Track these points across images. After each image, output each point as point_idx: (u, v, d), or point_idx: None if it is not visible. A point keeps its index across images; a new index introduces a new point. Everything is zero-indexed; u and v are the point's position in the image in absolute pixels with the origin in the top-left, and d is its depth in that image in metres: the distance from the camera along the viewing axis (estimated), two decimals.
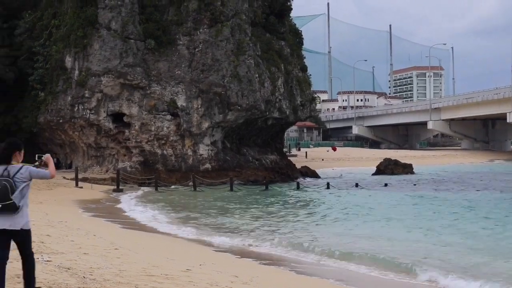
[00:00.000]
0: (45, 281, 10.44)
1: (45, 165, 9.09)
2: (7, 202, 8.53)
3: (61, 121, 54.67)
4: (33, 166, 8.98)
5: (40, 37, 57.85)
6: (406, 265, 18.07)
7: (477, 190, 49.16)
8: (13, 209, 8.57)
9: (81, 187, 44.30)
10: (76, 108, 53.76)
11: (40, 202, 33.69)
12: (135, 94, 53.43)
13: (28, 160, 9.46)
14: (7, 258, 8.82)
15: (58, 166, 57.66)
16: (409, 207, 36.89)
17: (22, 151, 8.95)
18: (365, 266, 18.20)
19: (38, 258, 13.36)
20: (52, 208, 31.43)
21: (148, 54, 54.08)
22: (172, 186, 50.07)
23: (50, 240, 17.25)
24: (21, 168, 8.77)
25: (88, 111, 53.50)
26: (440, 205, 37.79)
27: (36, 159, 9.30)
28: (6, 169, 8.71)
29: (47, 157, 9.19)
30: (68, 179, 48.60)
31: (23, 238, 8.84)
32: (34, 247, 15.22)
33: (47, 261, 13.19)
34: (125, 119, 53.79)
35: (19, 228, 8.71)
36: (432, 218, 30.77)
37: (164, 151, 54.04)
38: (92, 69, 53.06)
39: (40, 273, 11.25)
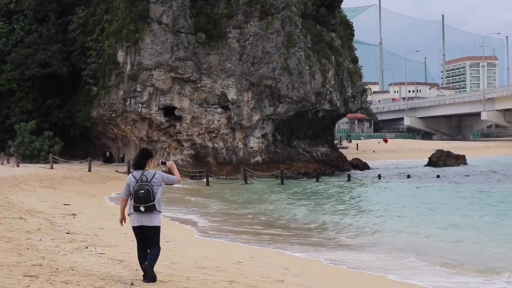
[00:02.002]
0: (98, 273, 10.59)
1: (170, 171, 10.47)
2: (149, 204, 10.00)
3: (113, 115, 55.31)
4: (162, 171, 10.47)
5: (93, 32, 58.59)
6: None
7: None
8: (153, 209, 10.06)
9: None
10: (128, 102, 54.30)
11: (94, 195, 34.17)
12: (186, 88, 53.72)
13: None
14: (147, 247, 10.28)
15: (111, 160, 58.47)
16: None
17: (153, 159, 10.47)
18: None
19: (91, 251, 13.60)
20: (105, 201, 31.86)
21: (198, 48, 54.29)
22: (220, 177, 50.19)
23: (104, 233, 17.52)
24: (155, 173, 10.20)
25: (140, 105, 53.99)
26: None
27: (159, 164, 11.10)
28: (143, 174, 10.17)
29: (171, 164, 10.58)
30: (120, 172, 49.23)
31: (155, 233, 10.22)
32: (88, 240, 15.53)
33: (101, 253, 13.39)
34: (176, 112, 54.15)
35: (154, 225, 10.17)
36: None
37: (215, 144, 54.26)
38: (144, 63, 53.50)
39: (94, 265, 11.44)
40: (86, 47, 58.23)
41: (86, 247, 14.17)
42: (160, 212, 10.18)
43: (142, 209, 9.96)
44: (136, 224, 10.16)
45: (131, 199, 10.18)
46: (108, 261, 12.29)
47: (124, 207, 10.41)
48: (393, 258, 18.21)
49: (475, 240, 21.49)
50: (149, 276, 10.17)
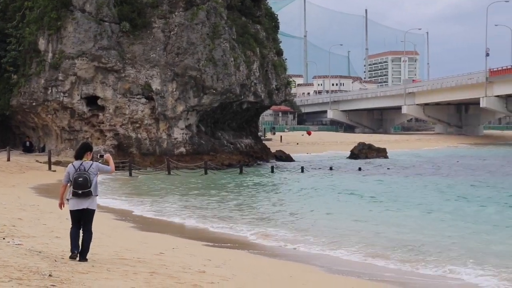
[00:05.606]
0: (15, 264, 10.36)
1: (107, 162, 12.16)
2: (86, 190, 11.62)
3: (34, 104, 54.15)
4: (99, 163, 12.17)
5: (13, 19, 57.07)
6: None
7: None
8: (90, 194, 11.68)
9: (54, 171, 43.99)
10: (50, 91, 53.24)
11: (13, 185, 33.45)
12: (110, 77, 53.03)
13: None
14: (81, 228, 11.82)
15: (31, 149, 57.24)
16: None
17: (92, 152, 12.05)
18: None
19: (9, 242, 13.29)
20: (24, 191, 31.22)
21: (122, 37, 53.64)
22: (145, 169, 49.83)
23: (22, 224, 17.16)
24: (92, 164, 11.79)
25: (61, 94, 53.00)
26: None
27: (99, 157, 12.72)
28: (81, 164, 11.77)
29: (107, 156, 12.22)
30: (41, 162, 48.24)
31: (89, 216, 11.82)
32: (5, 230, 15.18)
33: (18, 244, 13.11)
34: (99, 102, 53.41)
35: (91, 208, 11.81)
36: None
37: (139, 135, 53.79)
38: (66, 52, 52.54)
39: (11, 257, 11.19)
40: (5, 34, 56.69)
41: (3, 238, 13.86)
42: (97, 195, 11.82)
43: (80, 192, 11.53)
44: (74, 208, 11.70)
45: (70, 186, 11.68)
46: (26, 252, 12.04)
47: (63, 193, 11.92)
48: (318, 248, 18.53)
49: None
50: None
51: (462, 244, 19.14)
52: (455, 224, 23.35)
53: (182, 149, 54.04)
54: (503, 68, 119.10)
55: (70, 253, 11.74)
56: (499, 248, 18.59)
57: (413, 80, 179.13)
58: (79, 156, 11.91)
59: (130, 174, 46.74)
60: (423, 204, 29.86)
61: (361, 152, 71.67)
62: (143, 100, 53.39)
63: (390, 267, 16.02)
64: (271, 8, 71.98)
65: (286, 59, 71.16)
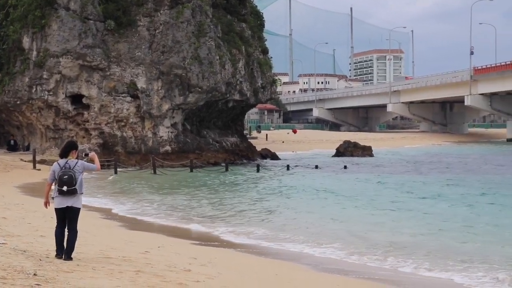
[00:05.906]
0: None
1: (92, 160, 12.28)
2: (71, 188, 11.62)
3: (18, 102, 53.88)
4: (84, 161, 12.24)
5: None
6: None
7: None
8: (75, 192, 11.68)
9: (39, 169, 43.81)
10: (34, 89, 53.00)
11: None
12: (95, 76, 52.86)
13: None
14: (66, 227, 11.84)
15: (15, 148, 56.99)
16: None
17: (77, 151, 12.05)
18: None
19: None
20: (9, 190, 31.07)
21: (107, 35, 53.48)
22: (130, 168, 49.69)
23: (6, 223, 17.09)
24: (77, 162, 11.81)
25: (46, 92, 52.78)
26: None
27: (84, 156, 13.03)
28: (67, 162, 11.77)
29: (92, 154, 12.35)
30: (25, 161, 48.04)
31: (74, 214, 11.81)
32: None
33: (2, 243, 13.05)
34: (84, 100, 53.24)
35: (76, 206, 11.78)
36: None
37: (124, 133, 53.66)
38: (51, 50, 52.31)
39: None
40: None
41: None
42: (82, 193, 11.85)
43: (64, 189, 11.53)
44: (59, 206, 11.72)
45: (55, 184, 11.71)
46: (10, 251, 11.99)
47: (49, 191, 11.97)
48: (301, 246, 18.58)
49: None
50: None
51: (440, 242, 19.24)
52: (433, 222, 23.40)
53: (168, 148, 53.96)
54: (488, 66, 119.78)
55: (55, 253, 11.77)
56: (475, 246, 18.73)
57: (405, 77, 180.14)
58: (64, 154, 11.93)
59: (116, 173, 46.60)
60: (401, 202, 29.95)
61: (346, 150, 71.78)
62: (128, 98, 53.26)
63: (373, 265, 16.09)
64: (256, 6, 71.92)
65: (271, 57, 71.14)
